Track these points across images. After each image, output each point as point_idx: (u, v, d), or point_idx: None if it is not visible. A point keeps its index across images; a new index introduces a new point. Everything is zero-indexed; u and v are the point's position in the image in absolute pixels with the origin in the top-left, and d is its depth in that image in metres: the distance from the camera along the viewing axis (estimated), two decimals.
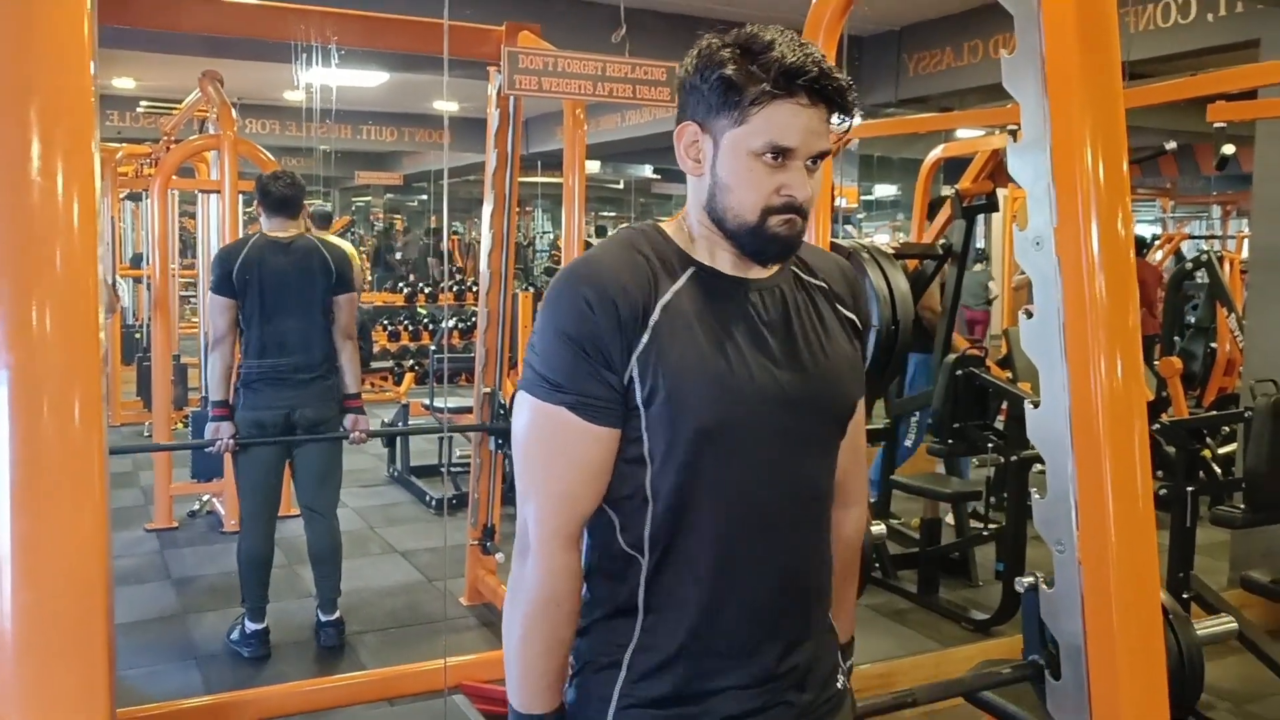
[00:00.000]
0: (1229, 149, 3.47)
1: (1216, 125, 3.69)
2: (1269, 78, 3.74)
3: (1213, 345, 7.62)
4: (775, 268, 1.30)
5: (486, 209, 4.01)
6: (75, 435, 1.01)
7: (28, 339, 1.01)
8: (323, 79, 10.54)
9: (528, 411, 1.23)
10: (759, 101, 1.18)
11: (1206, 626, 1.92)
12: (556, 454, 1.23)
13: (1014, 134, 4.20)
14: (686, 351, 1.20)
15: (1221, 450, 5.75)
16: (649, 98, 3.14)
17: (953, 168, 6.48)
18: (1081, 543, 1.69)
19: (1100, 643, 1.68)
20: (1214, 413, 5.59)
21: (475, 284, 12.55)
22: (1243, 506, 3.55)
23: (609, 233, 5.88)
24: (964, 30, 6.69)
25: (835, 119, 1.21)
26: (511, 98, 3.87)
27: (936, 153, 6.38)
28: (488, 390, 4.14)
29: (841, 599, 1.45)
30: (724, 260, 1.27)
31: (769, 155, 1.19)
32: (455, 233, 20.59)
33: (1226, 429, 5.74)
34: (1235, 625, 2.00)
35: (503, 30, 3.72)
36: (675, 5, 6.66)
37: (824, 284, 1.35)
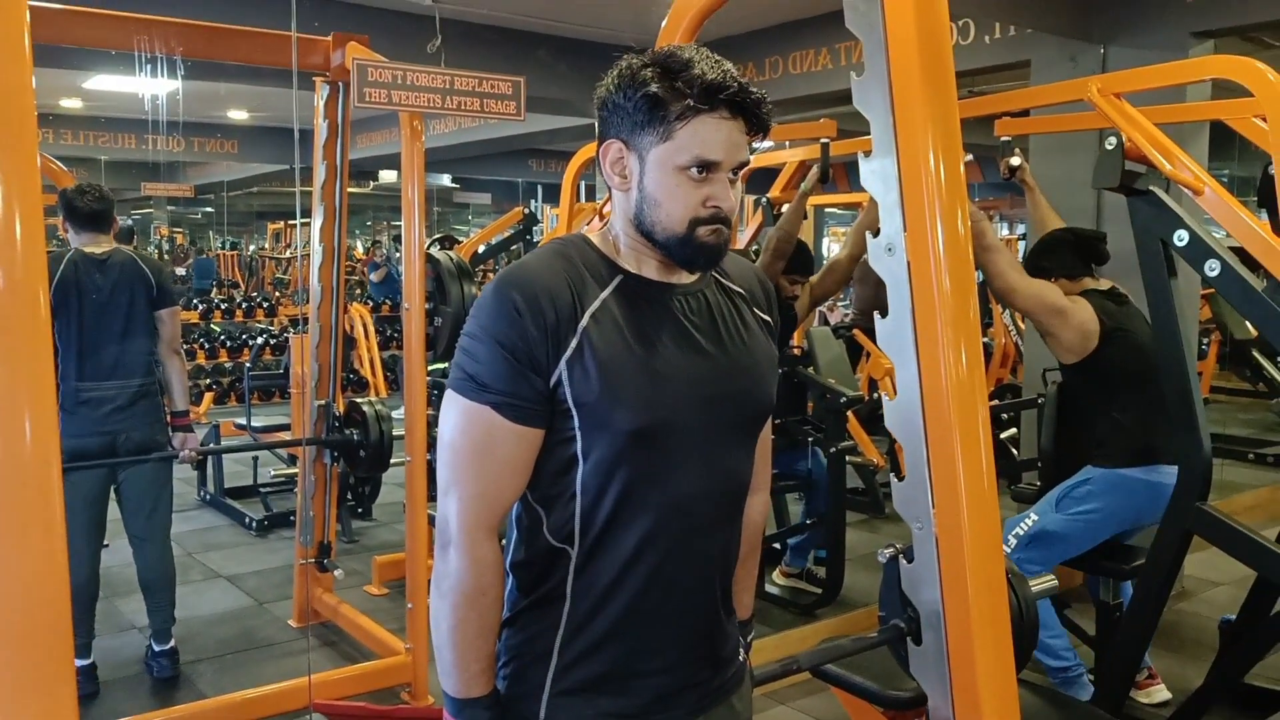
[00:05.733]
0: (1015, 160, 3.82)
1: (1003, 139, 4.07)
2: (1040, 100, 4.20)
3: (987, 340, 8.28)
4: (699, 274, 1.39)
5: (316, 222, 3.95)
6: (28, 459, 1.00)
7: None
8: (108, 85, 10.01)
9: (455, 411, 1.27)
10: (684, 117, 1.25)
11: (1036, 584, 2.16)
12: (482, 452, 1.27)
13: (825, 146, 4.48)
14: (617, 355, 1.25)
15: (1003, 435, 6.32)
16: (496, 111, 3.19)
17: (763, 176, 6.76)
18: (938, 519, 1.86)
19: (956, 608, 1.86)
20: (1008, 400, 6.07)
21: (262, 300, 12.19)
22: (1039, 483, 3.91)
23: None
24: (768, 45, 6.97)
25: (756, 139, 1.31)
26: (340, 109, 3.83)
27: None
28: (322, 403, 4.07)
29: (745, 579, 1.56)
30: (650, 268, 1.34)
31: (695, 169, 1.26)
32: (233, 247, 19.75)
33: (1006, 416, 6.28)
34: (1056, 581, 2.25)
35: (330, 40, 3.67)
36: (487, 17, 6.67)
37: (741, 289, 1.44)
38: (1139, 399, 3.36)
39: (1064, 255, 3.50)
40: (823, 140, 4.56)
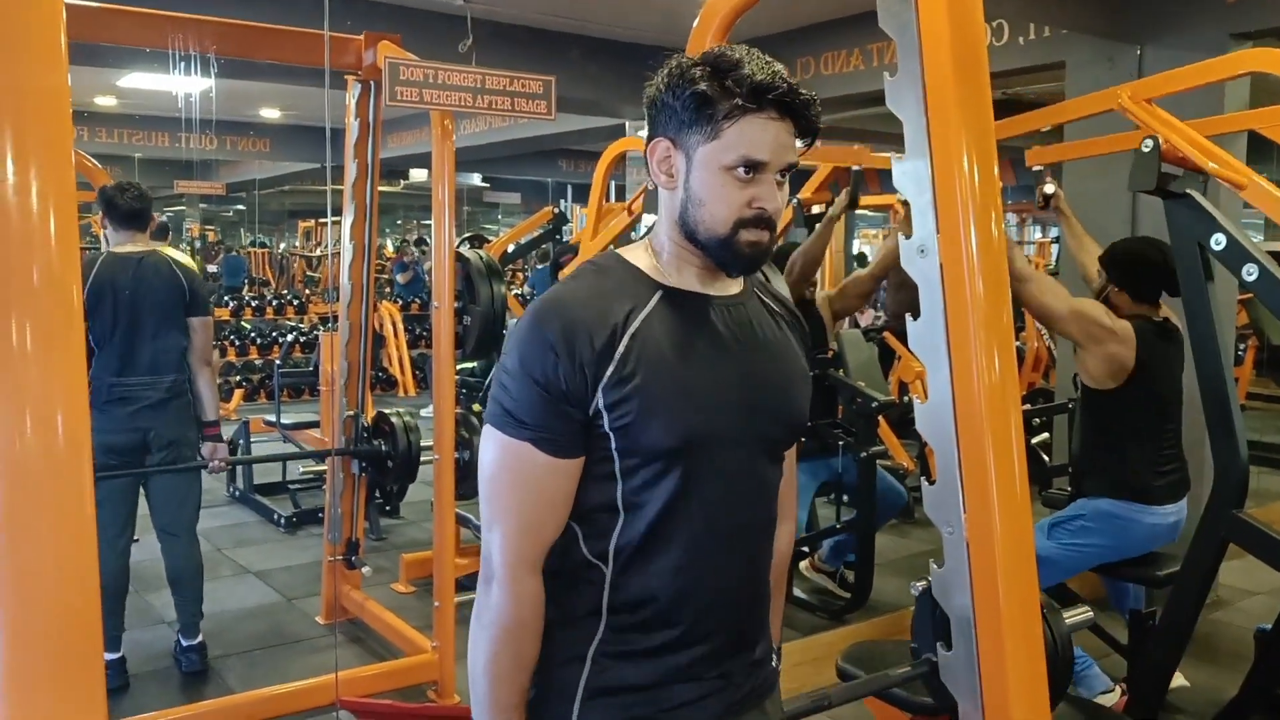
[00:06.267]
0: (1049, 188, 3.77)
1: (1035, 168, 4.04)
2: (1069, 115, 4.17)
3: (1020, 344, 8.20)
4: (740, 284, 1.37)
5: (347, 220, 3.96)
6: (60, 453, 1.00)
7: (9, 356, 0.99)
8: (142, 84, 10.13)
9: (494, 446, 1.26)
10: (731, 116, 1.23)
11: (1071, 616, 2.12)
12: (521, 486, 1.26)
13: (859, 174, 4.47)
14: (654, 375, 1.24)
15: (1034, 440, 6.24)
16: (526, 110, 3.19)
17: (794, 178, 6.75)
18: (969, 523, 1.84)
19: (987, 613, 1.83)
20: (1040, 405, 6.02)
21: (292, 298, 12.30)
22: (1070, 488, 3.86)
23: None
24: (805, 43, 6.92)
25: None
26: (371, 108, 3.84)
27: None
28: (351, 414, 4.08)
29: (774, 607, 1.55)
30: (691, 277, 1.32)
31: (741, 169, 1.24)
32: (263, 245, 19.91)
33: (1037, 421, 6.22)
34: (1091, 614, 2.21)
35: (362, 39, 3.69)
36: (517, 17, 6.69)
37: (779, 308, 1.44)
38: (1145, 440, 3.34)
39: (1143, 275, 3.36)
40: (855, 168, 4.53)
